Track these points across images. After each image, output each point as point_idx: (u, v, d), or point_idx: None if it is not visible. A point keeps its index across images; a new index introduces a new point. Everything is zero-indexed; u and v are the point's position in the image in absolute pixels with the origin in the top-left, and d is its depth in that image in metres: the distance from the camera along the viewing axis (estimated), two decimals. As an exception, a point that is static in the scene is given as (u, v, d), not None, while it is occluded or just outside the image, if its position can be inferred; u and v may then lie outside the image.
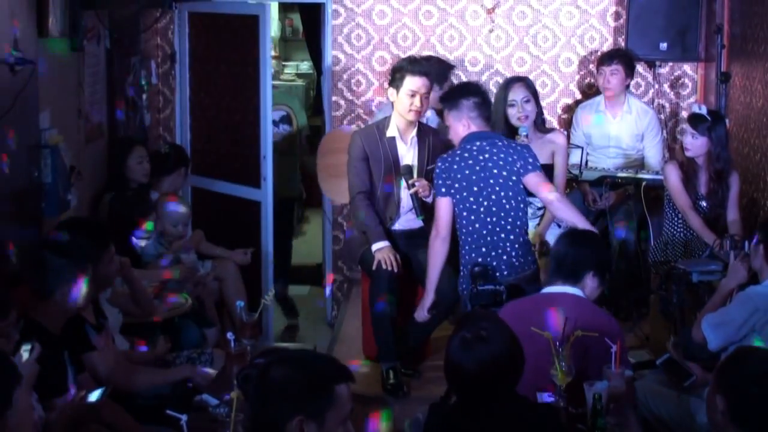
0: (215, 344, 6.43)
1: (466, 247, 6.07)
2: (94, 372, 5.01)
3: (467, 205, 6.04)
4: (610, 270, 5.55)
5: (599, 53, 8.53)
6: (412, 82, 6.67)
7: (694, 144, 6.96)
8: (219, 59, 8.51)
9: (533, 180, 6.07)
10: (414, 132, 6.83)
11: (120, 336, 5.79)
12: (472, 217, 6.04)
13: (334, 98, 8.76)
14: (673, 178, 7.05)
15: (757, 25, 7.68)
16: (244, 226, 8.35)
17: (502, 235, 6.00)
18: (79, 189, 6.65)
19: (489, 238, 6.01)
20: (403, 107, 6.71)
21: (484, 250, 6.00)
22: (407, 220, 6.89)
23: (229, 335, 5.29)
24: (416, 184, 6.65)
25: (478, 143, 6.09)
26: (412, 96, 6.67)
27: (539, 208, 7.00)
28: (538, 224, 7.08)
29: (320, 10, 8.81)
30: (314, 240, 10.60)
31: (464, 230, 6.06)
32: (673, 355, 6.10)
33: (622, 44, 8.52)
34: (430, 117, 7.72)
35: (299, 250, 10.57)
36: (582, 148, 7.96)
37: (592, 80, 8.62)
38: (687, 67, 8.79)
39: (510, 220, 6.02)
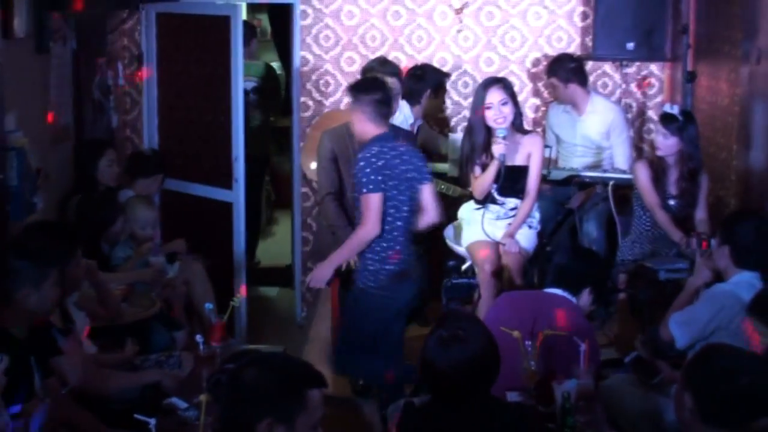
0: (184, 347, 6.41)
1: (383, 244, 6.10)
2: (62, 376, 4.98)
3: (395, 202, 6.09)
4: (605, 291, 5.69)
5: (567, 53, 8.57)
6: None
7: (666, 143, 6.98)
8: (188, 60, 8.48)
9: (428, 191, 6.25)
10: (383, 133, 6.83)
11: (87, 339, 5.77)
12: (397, 214, 6.12)
13: (302, 99, 8.75)
14: (642, 176, 7.07)
15: (722, 24, 7.72)
16: (215, 228, 8.32)
17: (410, 234, 6.19)
18: (45, 192, 6.62)
19: (407, 235, 6.14)
20: None
21: (399, 247, 6.11)
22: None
23: (198, 338, 5.28)
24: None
25: (391, 142, 6.14)
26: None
27: (512, 209, 7.00)
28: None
29: (288, 10, 8.79)
30: (283, 241, 10.58)
31: (387, 226, 6.08)
32: (642, 353, 6.13)
33: (590, 44, 8.55)
34: (421, 124, 7.80)
35: (269, 252, 10.56)
36: (550, 148, 7.99)
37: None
38: (654, 67, 8.82)
39: (413, 219, 6.20)
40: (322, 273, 6.31)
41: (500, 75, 8.46)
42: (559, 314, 5.20)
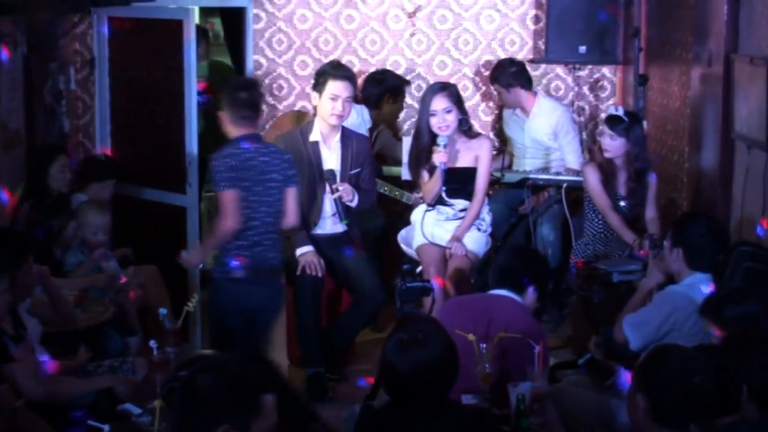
0: (138, 352, 6.37)
1: (237, 242, 6.11)
2: (13, 383, 4.94)
3: (249, 202, 6.09)
4: (547, 286, 5.73)
5: (519, 56, 8.62)
6: (335, 86, 6.69)
7: (613, 145, 7.03)
8: (141, 64, 8.43)
9: (291, 195, 6.27)
10: (337, 137, 6.84)
11: (40, 346, 5.72)
12: (253, 214, 6.12)
13: (256, 103, 8.72)
14: (592, 179, 7.11)
15: (673, 28, 7.78)
16: (169, 233, 8.28)
17: (271, 234, 6.21)
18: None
19: (265, 234, 6.15)
20: (325, 111, 6.72)
21: (250, 244, 6.13)
22: (331, 225, 6.90)
23: (152, 343, 5.25)
24: (339, 188, 6.66)
25: (255, 144, 6.16)
26: (334, 100, 6.69)
27: (461, 210, 7.03)
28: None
29: (241, 14, 8.77)
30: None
31: (243, 224, 6.09)
32: (595, 354, 6.16)
33: (542, 47, 8.59)
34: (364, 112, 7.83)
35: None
36: (503, 151, 8.04)
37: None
38: (606, 70, 8.88)
39: (275, 222, 6.21)
40: (195, 258, 6.57)
41: (453, 78, 8.53)
42: (513, 317, 5.22)
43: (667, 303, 5.49)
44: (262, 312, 6.29)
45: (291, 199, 6.26)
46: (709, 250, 5.58)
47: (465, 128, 6.98)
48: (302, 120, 7.69)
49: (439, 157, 6.80)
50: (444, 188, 6.94)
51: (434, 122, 6.84)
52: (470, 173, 6.97)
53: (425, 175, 6.97)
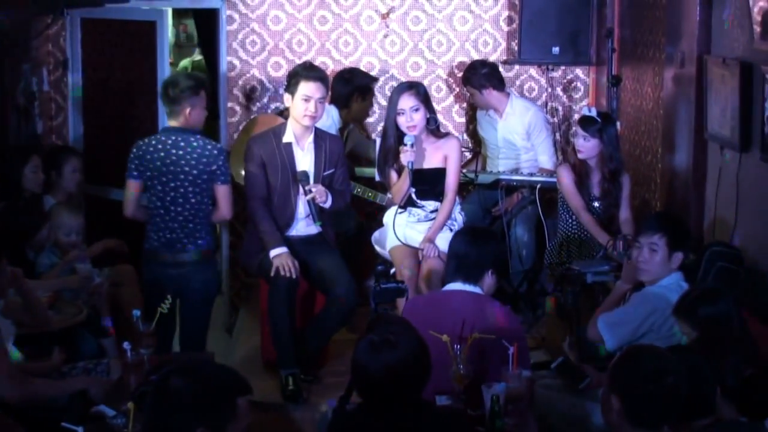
0: (112, 354, 6.35)
1: (150, 226, 6.73)
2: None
3: (155, 191, 6.62)
4: (506, 266, 5.70)
5: (492, 58, 8.64)
6: (307, 87, 6.69)
7: (586, 146, 7.05)
8: (114, 66, 8.42)
9: (222, 192, 6.68)
10: (310, 138, 6.84)
11: (14, 348, 5.70)
12: (159, 203, 6.63)
13: (229, 104, 8.71)
14: (566, 180, 7.13)
15: (646, 29, 7.81)
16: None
17: (185, 224, 6.65)
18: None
19: (171, 224, 6.64)
20: (297, 112, 6.73)
21: (161, 232, 6.68)
22: (304, 226, 6.91)
23: (126, 345, 5.24)
24: (313, 189, 6.67)
25: (174, 137, 6.58)
26: (307, 101, 6.70)
27: (432, 212, 7.04)
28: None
29: (214, 15, 8.76)
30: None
31: (152, 212, 6.68)
32: (569, 355, 6.18)
33: (516, 48, 8.61)
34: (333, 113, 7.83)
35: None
36: (478, 152, 8.05)
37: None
38: (579, 71, 8.91)
39: (192, 212, 6.62)
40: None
41: (427, 79, 8.54)
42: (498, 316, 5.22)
43: (645, 304, 5.50)
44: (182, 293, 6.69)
45: (220, 194, 6.68)
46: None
47: (433, 127, 6.99)
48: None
49: (406, 156, 6.81)
50: (413, 189, 6.96)
51: (402, 121, 6.86)
52: (439, 173, 6.98)
53: (394, 175, 6.99)
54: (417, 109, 6.86)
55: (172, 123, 6.62)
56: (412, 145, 6.82)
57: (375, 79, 8.45)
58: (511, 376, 4.79)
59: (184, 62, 13.55)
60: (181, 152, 6.54)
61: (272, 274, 6.66)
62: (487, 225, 7.99)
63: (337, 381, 6.53)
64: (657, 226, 5.66)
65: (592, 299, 6.62)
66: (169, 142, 6.56)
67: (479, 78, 8.15)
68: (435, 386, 4.73)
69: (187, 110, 6.57)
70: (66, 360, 5.73)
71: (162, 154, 6.54)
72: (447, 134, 7.24)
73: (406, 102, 6.85)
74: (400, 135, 6.89)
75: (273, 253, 6.70)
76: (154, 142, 6.58)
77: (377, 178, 7.35)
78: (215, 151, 6.62)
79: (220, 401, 3.41)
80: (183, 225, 6.64)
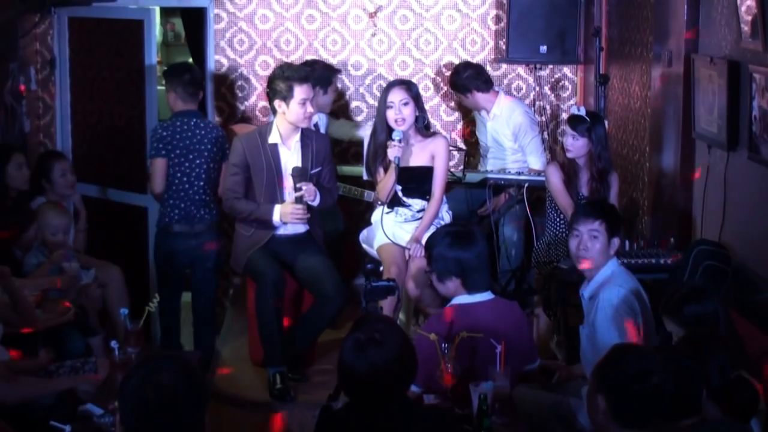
0: (99, 353, 6.34)
1: (170, 201, 7.26)
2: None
3: (182, 167, 7.23)
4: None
5: (480, 56, 8.66)
6: (302, 91, 6.71)
7: (575, 145, 7.05)
8: (101, 65, 8.40)
9: (225, 168, 7.22)
10: (297, 137, 6.84)
11: (0, 346, 5.69)
12: (184, 179, 7.22)
13: (217, 103, 8.71)
14: (554, 179, 7.13)
15: (633, 27, 7.82)
16: (130, 233, 8.26)
17: (202, 197, 7.29)
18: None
19: (193, 197, 7.24)
20: (297, 117, 6.73)
21: (183, 205, 7.24)
22: (292, 225, 6.89)
23: (113, 344, 5.23)
24: (303, 187, 6.66)
25: (194, 119, 7.30)
26: (303, 104, 6.71)
27: (418, 211, 7.04)
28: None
29: (202, 14, 8.75)
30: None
31: (174, 188, 7.24)
32: (557, 353, 6.19)
33: (503, 47, 8.62)
34: (321, 120, 7.81)
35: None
36: (465, 151, 8.05)
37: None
38: (567, 70, 8.91)
39: (208, 185, 7.31)
40: None
41: (415, 78, 8.54)
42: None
43: (620, 320, 5.44)
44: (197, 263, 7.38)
45: (224, 170, 7.25)
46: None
47: (421, 125, 6.99)
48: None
49: (393, 152, 6.82)
50: (400, 188, 6.96)
51: (391, 115, 6.87)
52: (426, 172, 6.98)
53: (381, 171, 6.99)
54: (406, 103, 6.87)
55: (190, 105, 7.35)
56: (400, 141, 6.83)
57: (337, 71, 8.40)
58: (498, 375, 4.79)
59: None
60: (201, 132, 7.28)
61: (284, 221, 6.76)
62: (475, 224, 7.99)
63: (325, 379, 6.53)
64: (596, 213, 5.61)
65: (579, 298, 6.62)
66: (192, 123, 7.27)
67: (462, 81, 8.16)
68: (423, 385, 4.74)
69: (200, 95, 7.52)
70: (53, 359, 5.73)
71: (189, 133, 7.24)
72: (435, 133, 7.25)
73: (396, 95, 6.87)
74: (389, 131, 6.90)
75: (274, 215, 6.73)
76: (178, 123, 7.26)
77: (365, 177, 7.35)
78: (221, 133, 7.46)
79: (201, 393, 3.42)
80: (201, 198, 7.26)
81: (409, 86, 6.98)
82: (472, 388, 4.64)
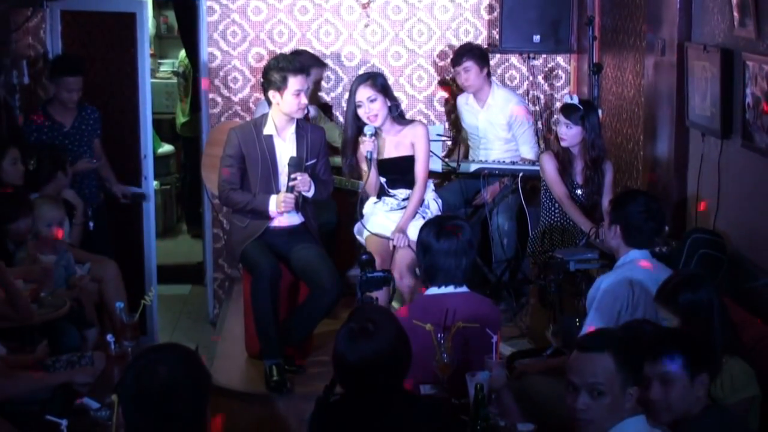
0: (95, 346, 6.34)
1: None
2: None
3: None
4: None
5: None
6: (297, 82, 6.69)
7: (569, 133, 7.05)
8: (94, 58, 8.40)
9: None
10: (292, 128, 6.83)
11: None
12: None
13: (210, 95, 8.70)
14: (549, 168, 7.13)
15: (627, 16, 7.82)
16: (125, 226, 8.26)
17: None
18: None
19: None
20: (291, 108, 6.71)
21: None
22: (287, 217, 6.89)
23: (109, 337, 5.24)
24: (298, 177, 6.66)
25: None
26: (298, 95, 6.70)
27: (404, 199, 7.03)
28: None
29: (195, 6, 8.74)
30: (194, 238, 10.54)
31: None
32: (553, 342, 6.19)
33: (497, 37, 8.61)
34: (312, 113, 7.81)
35: (180, 249, 10.50)
36: (457, 140, 8.04)
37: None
38: (560, 59, 8.92)
39: None
40: None
41: (408, 69, 8.56)
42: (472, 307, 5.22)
43: (614, 297, 5.46)
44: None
45: None
46: (646, 228, 5.59)
47: (395, 114, 6.99)
48: None
49: (365, 146, 6.82)
50: (384, 179, 6.97)
51: (362, 113, 6.87)
52: (408, 161, 6.98)
53: (364, 165, 6.97)
54: (373, 100, 6.85)
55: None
56: (371, 135, 6.82)
57: (323, 65, 8.40)
58: (494, 365, 4.79)
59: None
60: None
61: (281, 210, 6.71)
62: (468, 214, 8.00)
63: (322, 371, 6.54)
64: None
65: (575, 287, 6.63)
66: None
67: (483, 51, 8.13)
68: (419, 375, 4.74)
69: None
70: (49, 353, 5.73)
71: None
72: (412, 121, 7.24)
73: (363, 93, 6.86)
74: (359, 126, 6.90)
75: (270, 205, 6.72)
76: None
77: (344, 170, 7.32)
78: None
79: (202, 386, 3.42)
80: None
81: (374, 81, 6.93)
82: (469, 378, 4.64)
